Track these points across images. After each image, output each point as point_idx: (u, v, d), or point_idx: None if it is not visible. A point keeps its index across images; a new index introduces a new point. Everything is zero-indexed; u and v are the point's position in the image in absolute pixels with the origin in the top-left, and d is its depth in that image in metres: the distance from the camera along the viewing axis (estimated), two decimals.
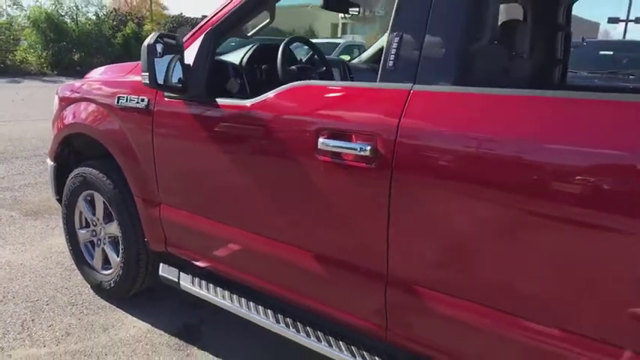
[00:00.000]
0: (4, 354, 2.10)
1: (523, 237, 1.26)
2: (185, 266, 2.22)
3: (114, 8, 23.44)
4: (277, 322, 1.84)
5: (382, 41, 3.14)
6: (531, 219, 1.23)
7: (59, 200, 2.74)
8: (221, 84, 2.02)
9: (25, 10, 17.26)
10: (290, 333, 1.79)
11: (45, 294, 2.59)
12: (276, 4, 2.18)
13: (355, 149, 1.45)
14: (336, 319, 1.70)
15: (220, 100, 1.83)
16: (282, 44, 2.25)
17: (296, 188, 1.66)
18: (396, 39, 1.46)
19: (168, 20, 26.31)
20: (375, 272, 1.53)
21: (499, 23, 2.37)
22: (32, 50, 17.32)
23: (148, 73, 1.75)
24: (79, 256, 2.67)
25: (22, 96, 10.76)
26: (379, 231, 1.47)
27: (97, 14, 19.79)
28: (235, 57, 2.31)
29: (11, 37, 16.93)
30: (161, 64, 1.80)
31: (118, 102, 2.20)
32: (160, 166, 2.08)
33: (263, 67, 2.31)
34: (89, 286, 2.65)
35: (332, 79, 2.60)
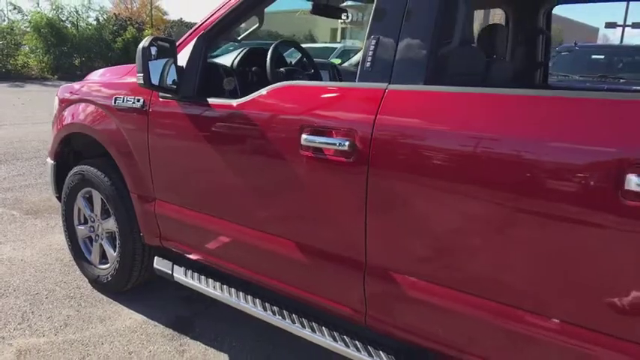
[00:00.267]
0: (5, 343, 2.20)
1: (489, 224, 1.36)
2: (178, 259, 2.32)
3: (114, 13, 23.60)
4: (264, 309, 1.94)
5: None
6: (494, 207, 1.33)
7: (59, 198, 2.84)
8: (213, 85, 2.12)
9: (27, 16, 17.38)
10: (276, 320, 1.89)
11: (44, 288, 2.69)
12: (269, 11, 2.29)
13: (335, 144, 1.55)
14: (319, 306, 1.80)
15: (211, 100, 1.94)
16: (271, 47, 2.36)
17: (281, 182, 1.77)
18: (373, 42, 1.57)
19: (168, 25, 26.46)
20: (354, 261, 1.63)
21: (482, 27, 2.48)
22: (33, 55, 17.45)
23: (142, 74, 1.86)
24: (78, 251, 2.77)
25: (23, 100, 10.87)
26: (358, 222, 1.57)
27: (97, 19, 19.92)
28: (227, 59, 2.42)
29: (12, 41, 17.06)
30: (156, 66, 1.91)
31: (115, 102, 2.30)
32: (154, 163, 2.19)
33: (253, 69, 2.42)
34: (87, 280, 2.75)
35: (320, 80, 2.71)
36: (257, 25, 2.25)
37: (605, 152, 1.17)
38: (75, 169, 2.62)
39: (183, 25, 25.42)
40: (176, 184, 2.19)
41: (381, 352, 1.65)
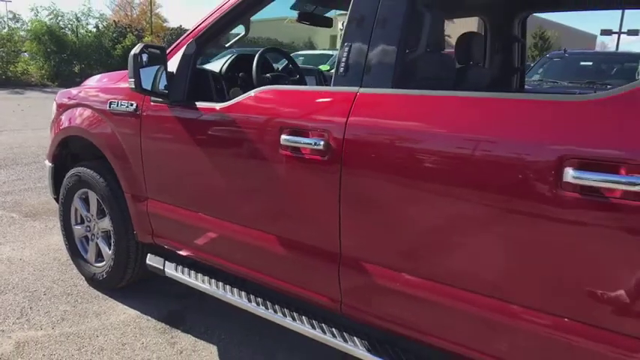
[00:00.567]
0: (5, 335, 2.31)
1: (447, 216, 1.48)
2: (170, 256, 2.44)
3: (114, 20, 23.82)
4: (249, 301, 2.05)
5: None
6: (451, 200, 1.46)
7: (56, 199, 2.96)
8: (202, 89, 2.25)
9: (27, 25, 17.57)
10: (260, 310, 2.01)
11: (42, 285, 2.81)
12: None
13: (311, 144, 1.68)
14: (300, 297, 1.92)
15: (199, 104, 2.07)
16: (257, 54, 2.49)
17: (262, 180, 1.89)
18: (346, 49, 1.70)
19: (167, 32, 26.64)
20: (330, 252, 1.75)
21: (458, 35, 2.60)
22: (33, 62, 17.63)
23: (134, 80, 1.98)
24: (75, 250, 2.89)
25: (23, 106, 11.02)
26: (332, 216, 1.70)
27: (97, 26, 20.12)
28: (216, 65, 2.55)
29: (12, 48, 17.23)
30: (148, 72, 2.04)
31: (110, 107, 2.43)
32: (146, 163, 2.31)
33: (240, 74, 2.55)
34: (84, 278, 2.87)
35: (305, 85, 2.83)
36: (243, 33, 2.37)
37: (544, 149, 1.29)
38: (72, 171, 2.74)
39: (182, 33, 25.56)
40: (167, 184, 2.31)
41: (355, 337, 1.77)
